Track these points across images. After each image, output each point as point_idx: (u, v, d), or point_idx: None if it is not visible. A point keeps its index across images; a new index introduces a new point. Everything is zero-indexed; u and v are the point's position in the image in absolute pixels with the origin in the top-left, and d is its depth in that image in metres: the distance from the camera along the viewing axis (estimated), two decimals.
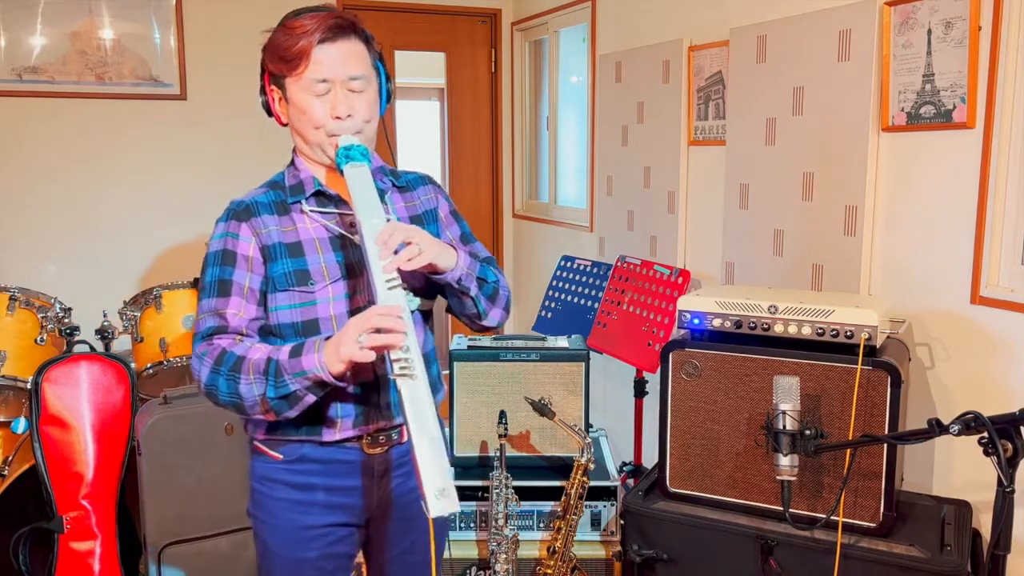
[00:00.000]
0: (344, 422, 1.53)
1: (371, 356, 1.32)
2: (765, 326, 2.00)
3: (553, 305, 3.26)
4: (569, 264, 3.29)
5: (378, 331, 1.31)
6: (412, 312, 1.36)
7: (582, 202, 3.99)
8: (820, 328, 1.93)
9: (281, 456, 1.56)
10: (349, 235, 1.54)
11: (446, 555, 2.39)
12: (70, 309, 3.02)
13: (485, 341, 2.59)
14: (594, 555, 2.44)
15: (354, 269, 1.53)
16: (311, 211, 1.54)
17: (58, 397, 2.58)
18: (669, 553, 2.07)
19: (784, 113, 2.54)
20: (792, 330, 1.97)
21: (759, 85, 2.63)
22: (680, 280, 2.71)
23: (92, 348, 2.74)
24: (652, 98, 3.23)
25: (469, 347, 2.55)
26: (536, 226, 4.47)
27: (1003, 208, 1.98)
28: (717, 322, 2.06)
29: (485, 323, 1.65)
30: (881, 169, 2.27)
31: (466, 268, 1.55)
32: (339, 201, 1.56)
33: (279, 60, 1.48)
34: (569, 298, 3.21)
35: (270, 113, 1.58)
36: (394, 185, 1.65)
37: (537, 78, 4.53)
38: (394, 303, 1.34)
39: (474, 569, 2.43)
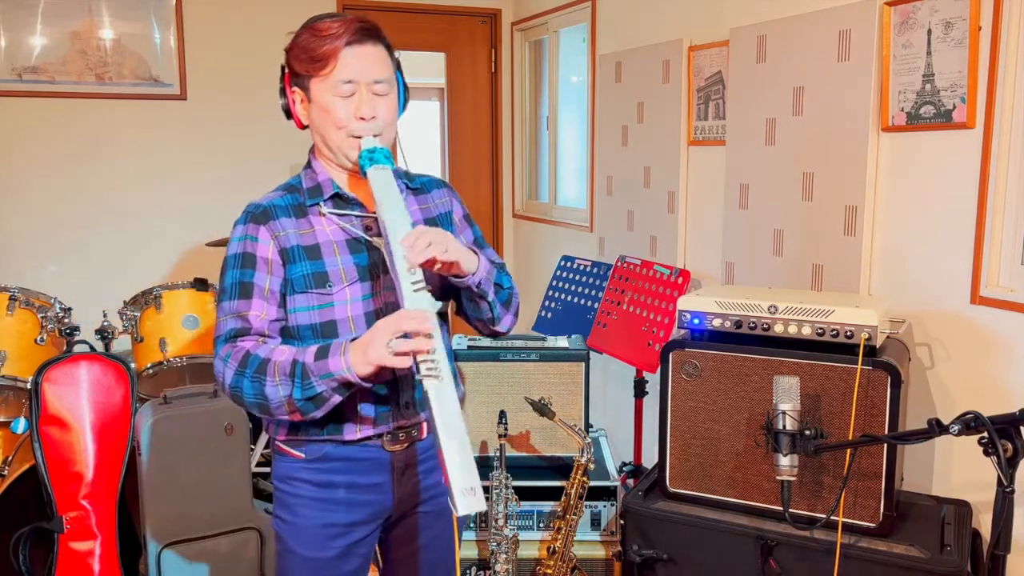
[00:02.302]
0: (366, 420, 1.55)
1: (406, 362, 1.34)
2: (765, 326, 2.00)
3: (553, 305, 3.26)
4: (569, 264, 3.29)
5: (406, 335, 1.33)
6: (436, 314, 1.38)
7: (582, 202, 3.99)
8: (820, 328, 1.93)
9: (303, 455, 1.57)
10: (367, 237, 1.55)
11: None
12: (70, 309, 3.02)
13: (485, 341, 2.59)
14: (594, 555, 2.44)
15: (371, 271, 1.55)
16: (329, 213, 1.55)
17: (58, 397, 2.58)
18: (669, 553, 2.07)
19: (784, 113, 2.54)
20: (792, 330, 1.97)
21: (759, 85, 2.63)
22: (680, 280, 2.71)
23: (92, 348, 2.74)
24: (652, 98, 3.23)
25: (469, 347, 2.55)
26: (536, 226, 4.47)
27: (1003, 208, 1.98)
28: (717, 322, 2.06)
29: (497, 328, 1.67)
30: (881, 169, 2.27)
31: (486, 273, 1.57)
32: (357, 204, 1.58)
33: (307, 60, 1.50)
34: (569, 298, 3.21)
35: (289, 115, 1.59)
36: (408, 187, 1.66)
37: (537, 78, 4.53)
38: (420, 306, 1.36)
39: (474, 569, 2.43)
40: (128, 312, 3.08)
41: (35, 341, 2.89)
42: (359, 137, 1.51)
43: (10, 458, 2.73)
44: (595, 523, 2.48)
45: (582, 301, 3.16)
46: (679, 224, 3.13)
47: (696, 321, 2.08)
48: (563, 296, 3.24)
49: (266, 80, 4.01)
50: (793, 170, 2.53)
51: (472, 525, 2.48)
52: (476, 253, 1.57)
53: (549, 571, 2.30)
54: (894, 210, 2.25)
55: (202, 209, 4.02)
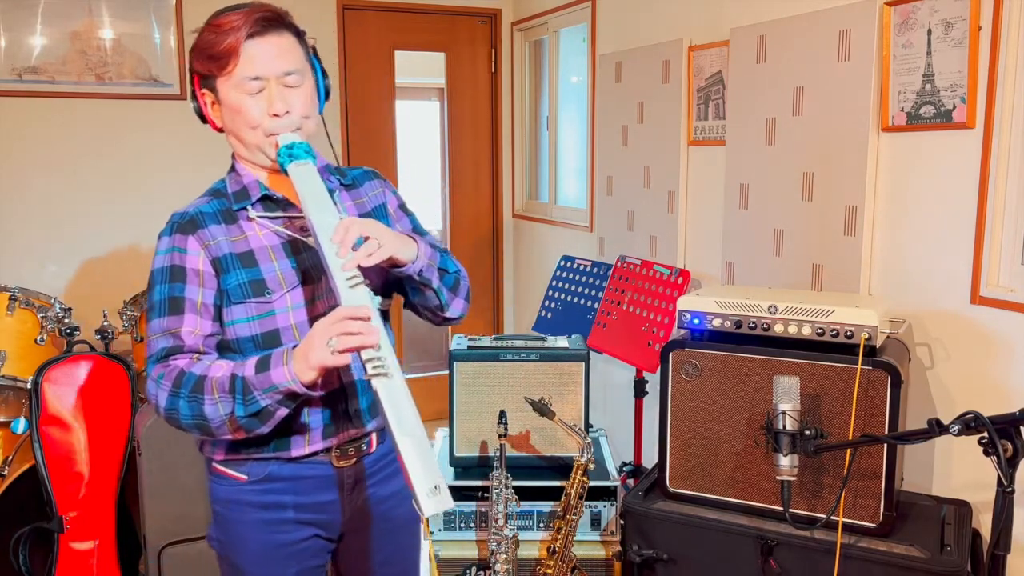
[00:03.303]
0: (313, 434, 1.48)
1: (346, 360, 1.26)
2: (765, 326, 2.00)
3: (553, 305, 3.26)
4: (569, 264, 3.29)
5: (347, 333, 1.25)
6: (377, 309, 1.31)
7: (582, 202, 3.99)
8: (820, 328, 1.93)
9: (246, 477, 1.48)
10: (301, 238, 1.47)
11: (445, 554, 2.39)
12: (70, 309, 3.02)
13: (485, 341, 2.59)
14: (594, 555, 2.44)
15: (311, 274, 1.47)
16: (259, 217, 1.47)
17: (58, 397, 2.58)
18: (669, 553, 2.07)
19: (784, 113, 2.54)
20: (792, 330, 1.97)
21: (759, 85, 2.63)
22: (680, 280, 2.71)
23: (92, 348, 2.74)
24: (652, 98, 3.22)
25: (469, 347, 2.55)
26: (536, 226, 4.47)
27: (1003, 208, 1.98)
28: (717, 322, 2.06)
29: (447, 315, 1.59)
30: (881, 169, 2.27)
31: (427, 259, 1.49)
32: (287, 204, 1.49)
33: (207, 59, 1.40)
34: (569, 298, 3.21)
35: (204, 119, 1.50)
36: (341, 183, 1.58)
37: (537, 78, 4.53)
38: (359, 302, 1.28)
39: (474, 569, 2.43)
40: (128, 312, 3.09)
41: (35, 341, 2.89)
42: (277, 134, 1.43)
43: (10, 458, 2.73)
44: (595, 523, 2.48)
45: (582, 301, 3.16)
46: (679, 224, 3.13)
47: (696, 321, 2.08)
48: (563, 296, 3.24)
49: None
50: (793, 170, 2.53)
51: (472, 525, 2.48)
52: (414, 240, 1.49)
53: (549, 571, 2.30)
54: (894, 210, 2.25)
55: None
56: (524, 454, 2.53)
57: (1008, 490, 1.38)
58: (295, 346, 1.33)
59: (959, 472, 2.13)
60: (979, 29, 1.96)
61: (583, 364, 2.51)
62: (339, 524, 1.56)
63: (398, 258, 1.41)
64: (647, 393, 2.92)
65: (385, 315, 1.58)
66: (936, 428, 1.46)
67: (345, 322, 1.25)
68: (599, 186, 3.69)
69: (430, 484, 1.15)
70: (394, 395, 1.21)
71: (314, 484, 1.51)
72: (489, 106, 4.64)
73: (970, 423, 1.41)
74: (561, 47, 4.25)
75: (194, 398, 1.34)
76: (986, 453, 1.40)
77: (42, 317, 2.91)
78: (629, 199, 3.44)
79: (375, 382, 1.22)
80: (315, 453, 1.49)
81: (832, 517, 1.87)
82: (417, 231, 1.63)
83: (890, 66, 2.19)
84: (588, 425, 2.54)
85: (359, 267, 1.32)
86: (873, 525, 1.89)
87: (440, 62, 4.52)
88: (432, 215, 4.86)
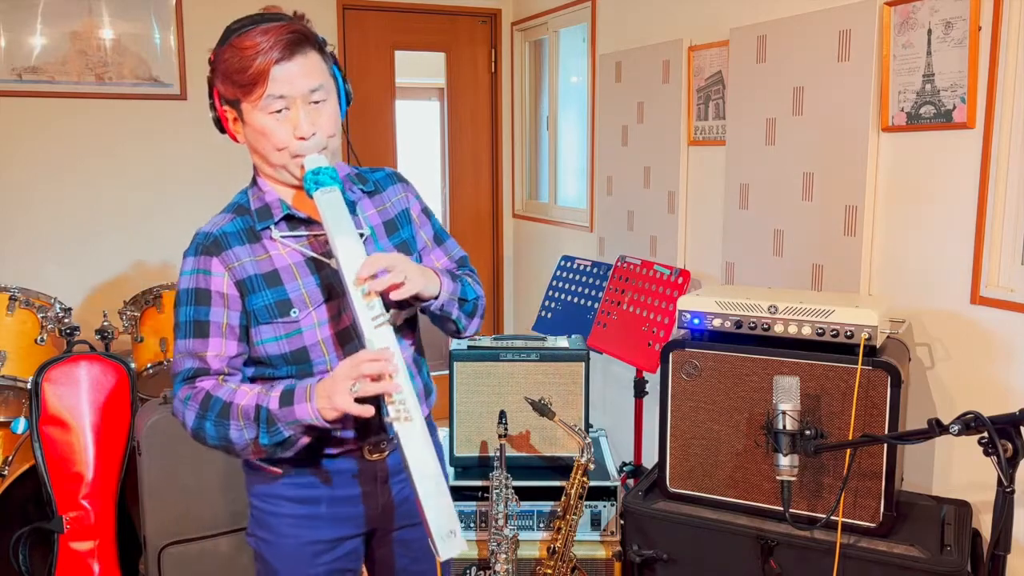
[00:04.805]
0: (343, 436, 1.51)
1: (369, 411, 1.28)
2: (765, 326, 2.00)
3: (553, 305, 3.26)
4: (569, 264, 3.29)
5: (371, 378, 1.28)
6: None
7: (582, 202, 3.99)
8: (820, 328, 1.93)
9: (280, 471, 1.51)
10: (324, 259, 1.48)
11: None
12: (70, 309, 3.02)
13: (485, 341, 2.59)
14: (594, 555, 2.44)
15: (335, 290, 1.47)
16: (282, 237, 1.47)
17: (58, 397, 2.58)
18: (669, 553, 2.07)
19: (784, 113, 2.54)
20: (792, 330, 1.97)
21: (759, 85, 2.63)
22: (680, 280, 2.71)
23: (92, 348, 2.74)
24: (652, 98, 3.22)
25: (469, 347, 2.55)
26: (536, 226, 4.47)
27: (1003, 208, 1.97)
28: (717, 322, 2.06)
29: (462, 334, 1.63)
30: (881, 169, 2.27)
31: (448, 295, 1.51)
32: (310, 222, 1.49)
33: (234, 85, 1.38)
34: (569, 298, 3.21)
35: (223, 130, 1.48)
36: (363, 191, 1.57)
37: (537, 78, 4.53)
38: (383, 343, 1.30)
39: (474, 569, 2.43)
40: (128, 312, 3.08)
41: (35, 341, 2.89)
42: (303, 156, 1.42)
43: (10, 458, 2.73)
44: (595, 523, 2.48)
45: (582, 301, 3.16)
46: (679, 224, 3.13)
47: (696, 321, 2.08)
48: (563, 296, 3.24)
49: None
50: (793, 170, 2.53)
51: (472, 525, 2.48)
52: (438, 275, 1.49)
53: (549, 571, 2.30)
54: (894, 210, 2.25)
55: (202, 209, 3.99)
56: (524, 454, 2.53)
57: (1008, 490, 1.38)
58: (320, 375, 1.36)
59: (959, 472, 2.13)
60: (979, 29, 1.96)
61: (583, 364, 2.51)
62: (371, 517, 1.58)
63: (422, 294, 1.43)
64: (647, 393, 2.92)
65: (412, 320, 1.62)
66: (936, 428, 1.46)
67: (368, 364, 1.28)
68: (599, 186, 3.69)
69: (447, 528, 1.20)
70: (414, 440, 1.26)
71: (346, 478, 1.54)
72: (489, 106, 4.64)
73: (970, 423, 1.41)
74: (561, 47, 4.25)
75: (220, 423, 1.38)
76: (986, 453, 1.40)
77: (42, 317, 2.91)
78: (629, 199, 3.44)
79: (396, 426, 1.27)
80: (347, 451, 1.52)
81: (832, 517, 1.87)
82: (439, 237, 1.66)
83: (890, 66, 2.19)
84: (588, 425, 2.54)
85: (382, 295, 1.34)
86: (873, 525, 1.89)
87: (440, 62, 4.52)
88: None
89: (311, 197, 1.40)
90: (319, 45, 1.44)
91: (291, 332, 1.45)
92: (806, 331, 1.95)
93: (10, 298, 2.88)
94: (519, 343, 2.58)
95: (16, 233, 3.76)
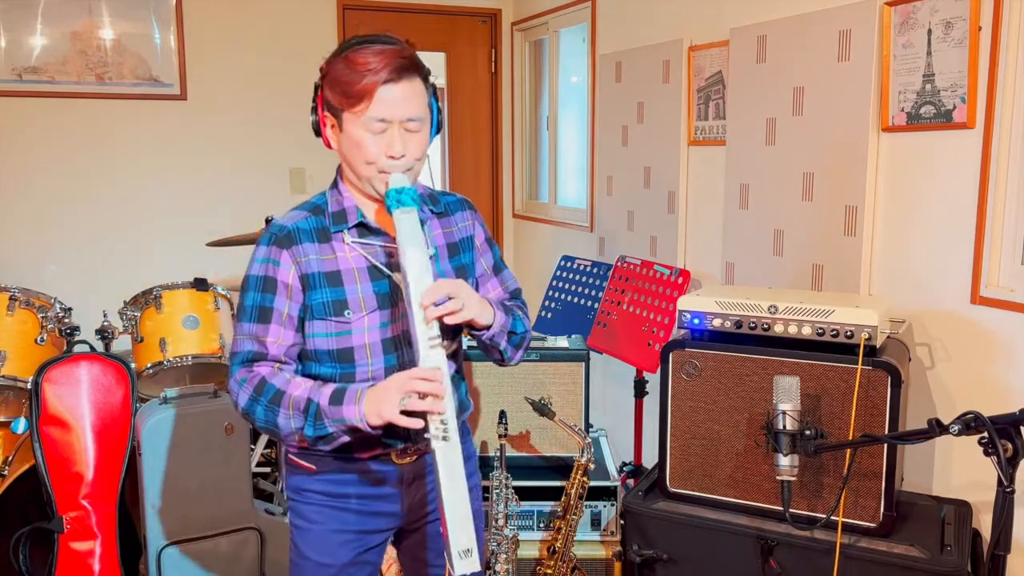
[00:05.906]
0: (376, 439, 1.57)
1: (417, 424, 1.37)
2: (765, 326, 2.00)
3: (553, 305, 3.26)
4: (569, 264, 3.29)
5: (420, 395, 1.36)
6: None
7: (582, 202, 3.99)
8: (820, 328, 1.93)
9: (314, 467, 1.60)
10: (387, 271, 1.56)
11: None
12: (70, 309, 3.02)
13: None
14: (594, 555, 2.44)
15: (390, 299, 1.56)
16: (352, 242, 1.56)
17: (58, 397, 2.58)
18: (669, 553, 2.07)
19: (784, 113, 2.54)
20: (792, 330, 1.97)
21: (759, 85, 2.63)
22: (680, 280, 2.71)
23: (92, 348, 2.73)
24: (652, 98, 3.23)
25: (469, 347, 2.55)
26: (536, 226, 4.47)
27: (1003, 208, 1.98)
28: (717, 322, 2.06)
29: (506, 363, 1.70)
30: (881, 169, 2.27)
31: (499, 328, 1.59)
32: (380, 233, 1.57)
33: (341, 95, 1.47)
34: (569, 298, 3.21)
35: (318, 134, 1.57)
36: (432, 212, 1.65)
37: (537, 78, 4.53)
38: (435, 363, 1.39)
39: None
40: (128, 312, 3.08)
41: (35, 341, 2.88)
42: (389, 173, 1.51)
43: (10, 458, 2.73)
44: (595, 523, 2.48)
45: (582, 301, 3.16)
46: (679, 224, 3.13)
47: (696, 321, 2.08)
48: (563, 296, 3.24)
49: (266, 80, 4.01)
50: (793, 170, 2.53)
51: None
52: (493, 307, 1.58)
53: (549, 571, 2.30)
54: (894, 210, 2.25)
55: (202, 209, 4.02)
56: (524, 454, 2.53)
57: (1008, 490, 1.38)
58: (371, 386, 1.44)
59: (959, 472, 2.13)
60: (979, 29, 1.96)
61: (583, 364, 2.51)
62: (399, 515, 1.66)
63: (477, 322, 1.52)
64: (647, 393, 2.92)
65: (456, 350, 1.69)
66: (936, 428, 1.46)
67: (420, 383, 1.36)
68: (599, 186, 3.69)
69: (464, 547, 1.30)
70: (450, 460, 1.35)
71: (376, 477, 1.62)
72: (489, 106, 4.64)
73: (970, 423, 1.41)
74: (561, 47, 4.25)
75: (271, 408, 1.47)
76: (986, 453, 1.40)
77: (42, 317, 2.91)
78: (629, 199, 3.44)
79: (435, 443, 1.35)
80: (377, 455, 1.60)
81: (832, 517, 1.87)
82: (498, 267, 1.75)
83: (890, 66, 2.19)
84: (588, 425, 2.54)
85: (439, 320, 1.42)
86: (873, 525, 1.89)
87: (440, 62, 4.52)
88: None
89: (390, 213, 1.48)
90: (424, 75, 1.56)
91: (342, 331, 1.53)
92: (806, 331, 1.95)
93: (10, 298, 2.88)
94: None
95: (16, 233, 3.76)
